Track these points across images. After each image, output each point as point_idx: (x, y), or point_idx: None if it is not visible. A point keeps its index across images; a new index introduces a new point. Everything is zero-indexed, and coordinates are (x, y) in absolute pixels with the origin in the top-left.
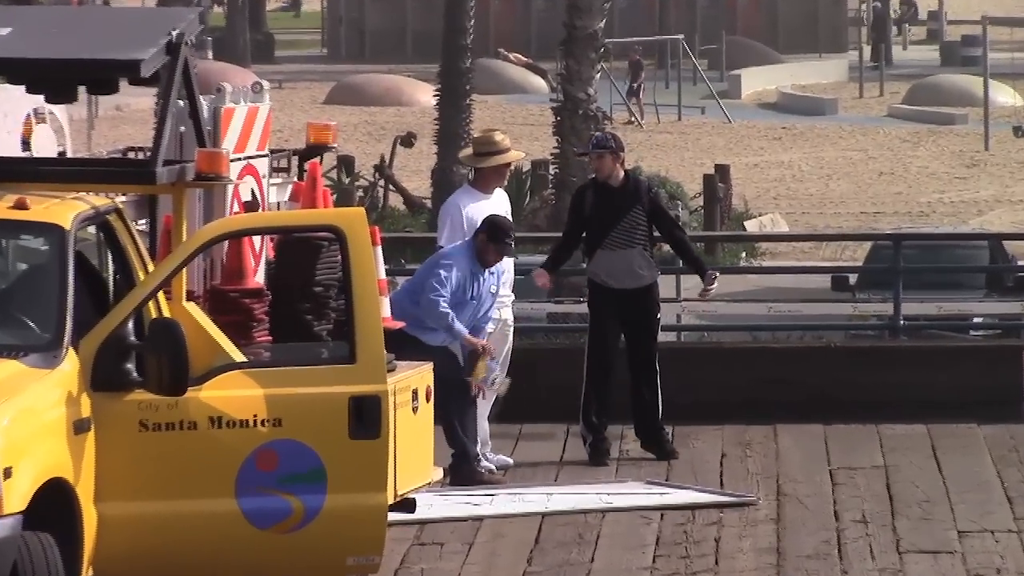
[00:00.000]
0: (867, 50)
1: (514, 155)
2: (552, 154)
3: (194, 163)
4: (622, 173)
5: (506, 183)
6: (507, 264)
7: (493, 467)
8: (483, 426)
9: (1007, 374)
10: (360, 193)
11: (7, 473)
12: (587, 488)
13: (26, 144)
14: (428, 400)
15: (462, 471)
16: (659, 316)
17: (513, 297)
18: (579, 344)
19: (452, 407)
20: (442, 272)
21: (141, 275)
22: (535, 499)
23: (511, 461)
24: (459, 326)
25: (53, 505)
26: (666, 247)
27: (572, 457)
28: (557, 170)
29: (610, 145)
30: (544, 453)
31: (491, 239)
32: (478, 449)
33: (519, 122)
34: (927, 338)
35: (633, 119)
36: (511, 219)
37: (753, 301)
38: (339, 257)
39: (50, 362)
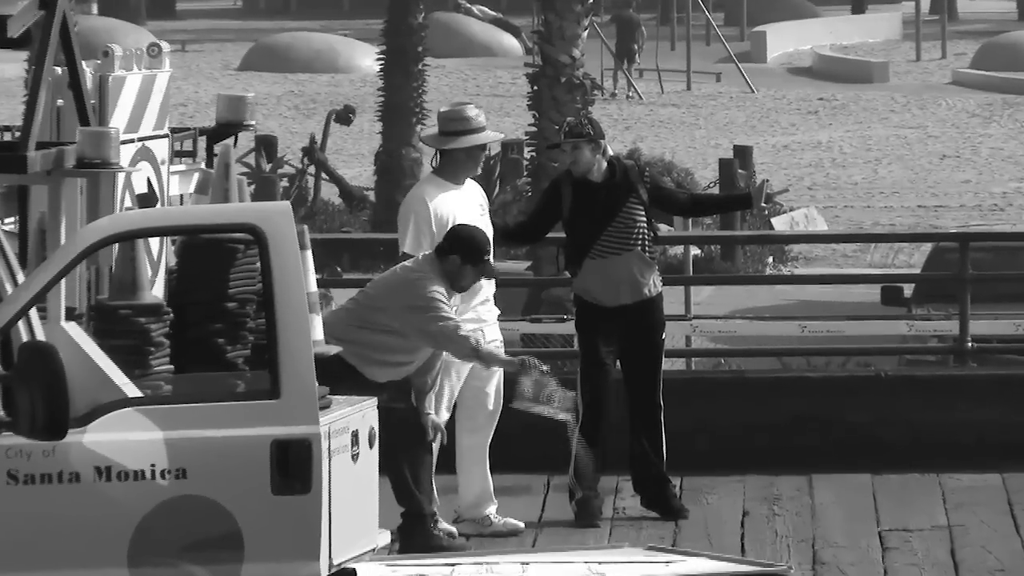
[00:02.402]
0: (926, 0)
1: (491, 135)
2: (527, 133)
3: (75, 146)
4: (604, 164)
5: (479, 171)
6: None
7: (454, 530)
8: (483, 476)
9: None
10: (285, 183)
11: None
12: (573, 556)
13: None
14: (372, 445)
15: (415, 535)
16: (664, 338)
17: (498, 312)
18: (562, 373)
19: (402, 455)
20: (433, 289)
21: (8, 287)
22: (508, 570)
23: (522, 525)
24: (488, 347)
25: None
26: (672, 251)
27: (554, 516)
28: (534, 153)
29: (587, 132)
30: (519, 511)
31: (468, 260)
32: (486, 511)
33: (486, 92)
34: (1002, 365)
35: (631, 90)
36: (488, 216)
37: (783, 319)
38: (258, 264)
39: None
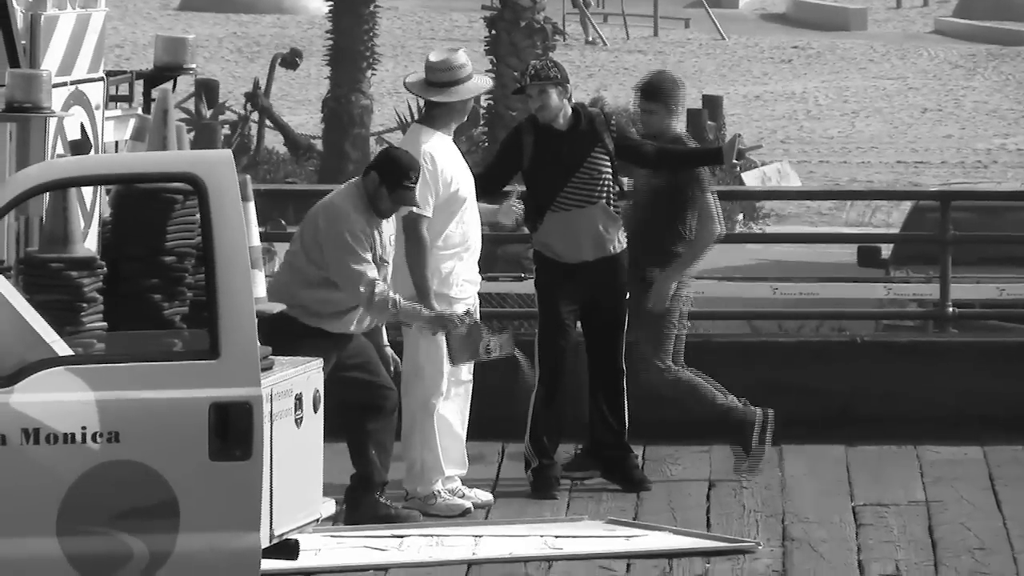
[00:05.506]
0: None
1: (483, 83)
2: None
3: (4, 88)
4: (570, 110)
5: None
6: (473, 229)
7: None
8: (456, 442)
9: None
10: (226, 130)
11: None
12: (528, 528)
13: None
14: (316, 409)
15: (361, 503)
16: (627, 298)
17: (479, 274)
18: (519, 335)
19: (367, 419)
20: (352, 225)
21: None
22: (459, 543)
23: (490, 497)
24: (406, 303)
25: None
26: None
27: (509, 487)
28: (491, 101)
29: (553, 75)
30: (471, 481)
31: (384, 181)
32: (449, 479)
33: (441, 36)
34: (984, 331)
35: (593, 37)
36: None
37: (753, 280)
38: (197, 216)
39: None
